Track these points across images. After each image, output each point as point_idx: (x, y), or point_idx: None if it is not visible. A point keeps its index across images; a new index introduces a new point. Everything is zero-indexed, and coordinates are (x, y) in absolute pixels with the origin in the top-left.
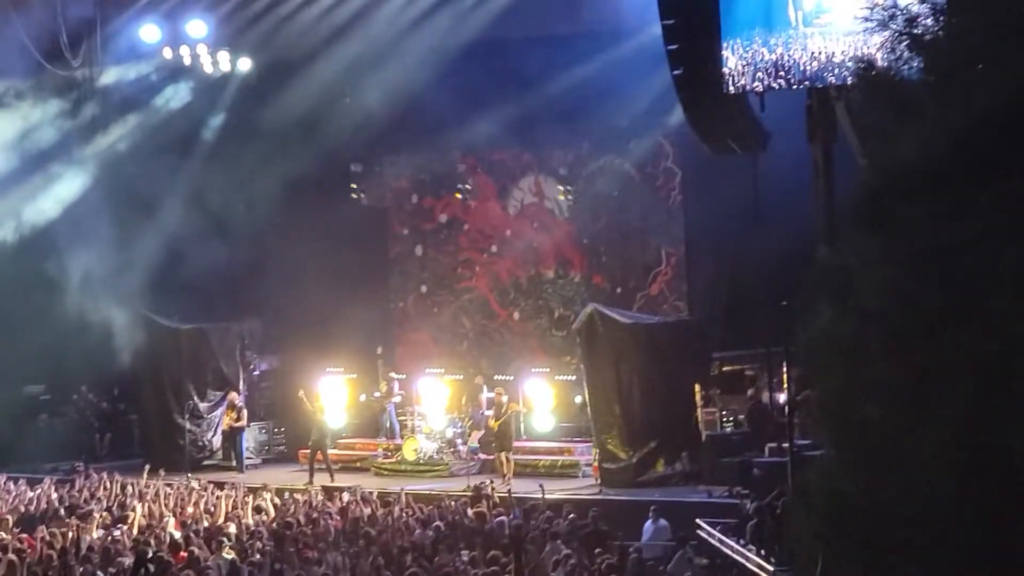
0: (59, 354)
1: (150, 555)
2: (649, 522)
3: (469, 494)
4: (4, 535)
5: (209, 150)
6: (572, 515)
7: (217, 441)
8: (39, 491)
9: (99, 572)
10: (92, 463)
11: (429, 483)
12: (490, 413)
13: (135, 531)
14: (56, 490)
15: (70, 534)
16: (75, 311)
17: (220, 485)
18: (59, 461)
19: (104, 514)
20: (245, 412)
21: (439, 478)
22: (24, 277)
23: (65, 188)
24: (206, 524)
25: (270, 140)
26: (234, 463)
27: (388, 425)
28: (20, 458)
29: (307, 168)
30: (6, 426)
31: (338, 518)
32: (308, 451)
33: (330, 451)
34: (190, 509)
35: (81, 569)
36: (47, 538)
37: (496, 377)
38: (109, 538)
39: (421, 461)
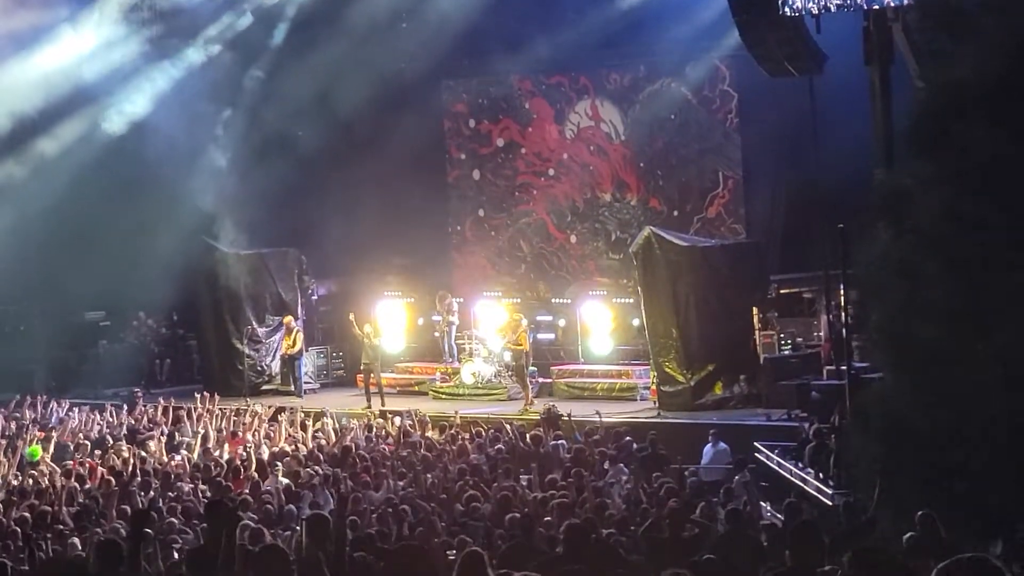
0: (119, 280)
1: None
2: (709, 445)
3: (538, 416)
4: (66, 460)
5: (266, 76)
6: (629, 438)
7: (276, 366)
8: (100, 417)
9: (159, 497)
10: (152, 389)
11: (487, 407)
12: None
13: (194, 456)
14: (117, 416)
15: (131, 459)
16: (135, 236)
17: (279, 410)
18: (119, 387)
19: (163, 439)
20: (302, 336)
21: (497, 401)
22: (85, 201)
23: (128, 111)
24: (264, 449)
25: (327, 66)
26: (292, 388)
27: (447, 347)
28: (81, 384)
29: (364, 93)
30: (67, 352)
31: (393, 442)
32: (363, 375)
33: (389, 375)
34: (249, 435)
35: (141, 494)
36: (108, 463)
37: (554, 300)
38: (170, 463)
39: (479, 385)
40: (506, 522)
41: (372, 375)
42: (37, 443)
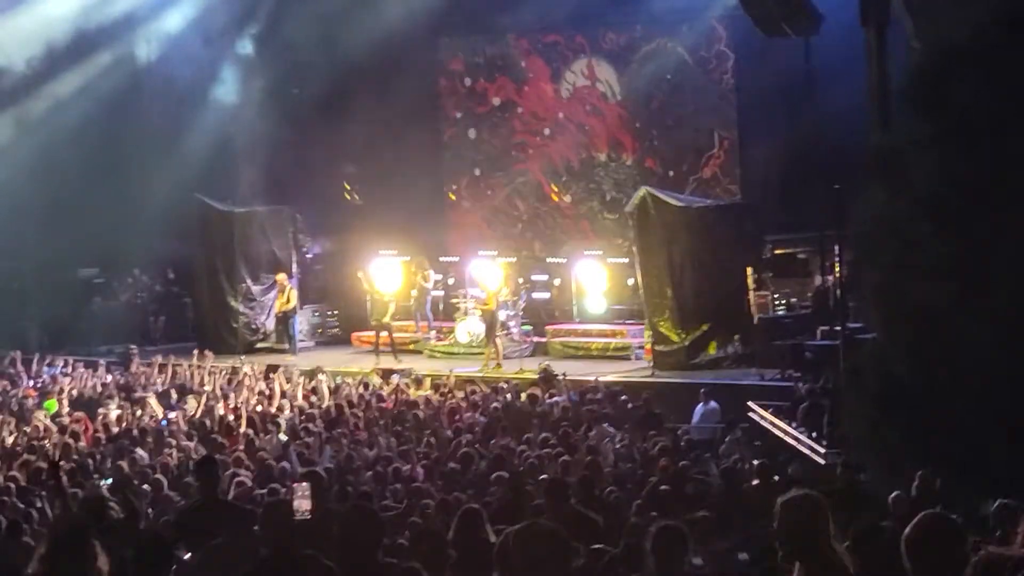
0: (113, 237)
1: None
2: (700, 404)
3: (535, 376)
4: (61, 416)
5: (262, 32)
6: (624, 397)
7: (270, 324)
8: (94, 374)
9: (153, 454)
10: (146, 346)
11: (481, 365)
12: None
13: (188, 414)
14: (110, 373)
15: (125, 417)
16: (129, 192)
17: (273, 368)
18: (113, 344)
19: (157, 397)
20: (296, 294)
21: (491, 360)
22: (79, 156)
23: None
24: (259, 407)
25: (322, 22)
26: (287, 346)
27: (419, 316)
28: (75, 340)
29: (360, 51)
30: (61, 308)
31: (390, 401)
32: (373, 332)
33: (384, 334)
34: (243, 392)
35: (135, 451)
36: (102, 420)
37: (548, 260)
38: (164, 421)
39: (474, 344)
40: (496, 480)
41: (386, 332)
42: (54, 397)
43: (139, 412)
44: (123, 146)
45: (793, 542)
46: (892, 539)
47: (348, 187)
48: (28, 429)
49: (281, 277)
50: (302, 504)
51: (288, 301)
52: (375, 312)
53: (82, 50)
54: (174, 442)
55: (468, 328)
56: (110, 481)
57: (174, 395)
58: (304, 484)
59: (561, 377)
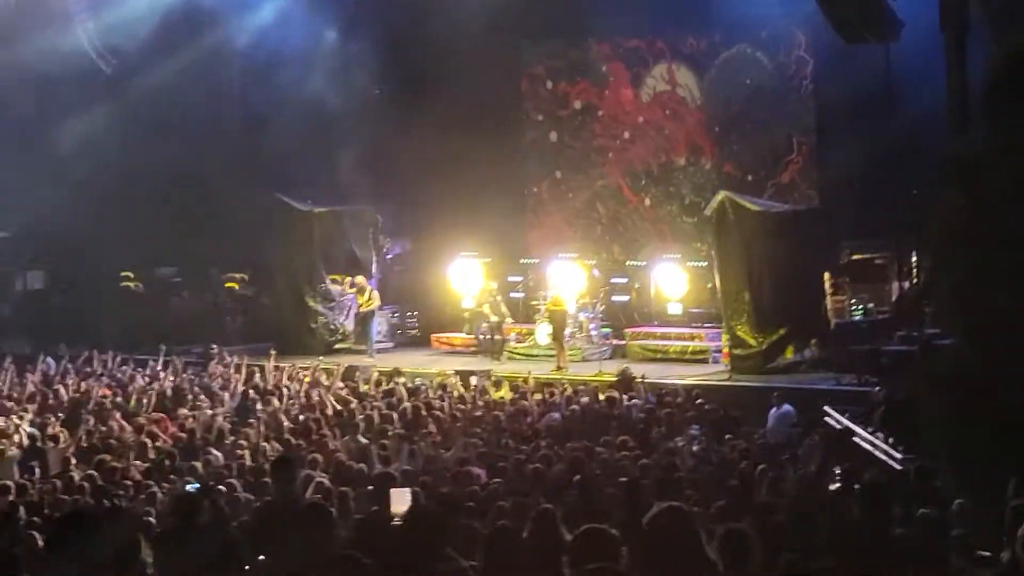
0: (191, 236)
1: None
2: (774, 408)
3: (613, 379)
4: (138, 416)
5: (344, 34)
6: (700, 400)
7: (350, 324)
8: (172, 373)
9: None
10: (223, 346)
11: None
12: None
13: (267, 414)
14: (189, 373)
15: (202, 417)
16: (208, 191)
17: (352, 369)
18: (191, 344)
19: (236, 397)
20: (376, 295)
21: (572, 362)
22: (159, 156)
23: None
24: (336, 408)
25: (405, 23)
26: (365, 347)
27: (359, 334)
28: (152, 340)
29: (441, 52)
30: (139, 308)
31: (468, 402)
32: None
33: (463, 336)
34: (320, 393)
35: (213, 452)
36: (180, 420)
37: (628, 263)
38: (242, 421)
39: (552, 346)
40: (572, 482)
41: (496, 332)
42: (134, 396)
43: (216, 411)
44: (203, 144)
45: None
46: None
47: None
48: (104, 428)
49: (360, 279)
50: (399, 509)
51: (370, 301)
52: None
53: (161, 48)
54: (246, 443)
55: (547, 330)
56: (197, 485)
57: (252, 395)
58: (404, 490)
59: (640, 380)
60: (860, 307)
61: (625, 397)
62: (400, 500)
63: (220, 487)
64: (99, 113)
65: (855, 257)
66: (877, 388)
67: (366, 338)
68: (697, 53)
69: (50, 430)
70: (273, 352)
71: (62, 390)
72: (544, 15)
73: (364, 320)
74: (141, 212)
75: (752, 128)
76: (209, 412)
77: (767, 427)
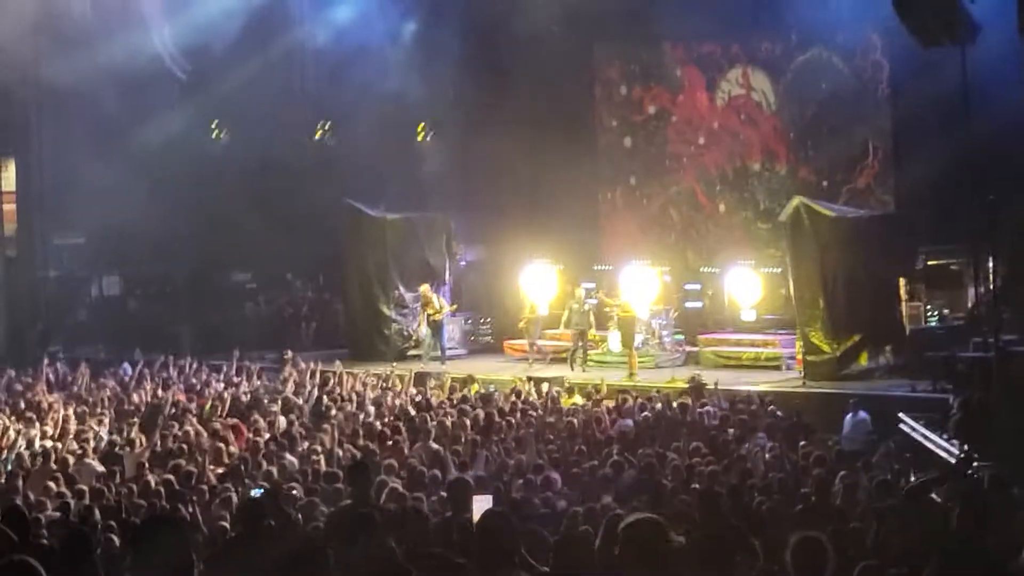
0: (266, 242)
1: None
2: (849, 415)
3: (685, 386)
4: (214, 421)
5: (411, 44)
6: (773, 407)
7: (423, 331)
8: (247, 378)
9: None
10: (297, 351)
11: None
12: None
13: (341, 420)
14: (264, 378)
15: (276, 422)
16: (283, 197)
17: (424, 375)
18: (265, 349)
19: (310, 403)
20: (441, 302)
21: (644, 369)
22: (233, 163)
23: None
24: (410, 413)
25: (479, 27)
26: (438, 353)
27: (431, 342)
28: (227, 346)
29: (516, 56)
30: (214, 314)
31: (541, 409)
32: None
33: (538, 341)
34: (394, 399)
35: (288, 457)
36: (255, 426)
37: (701, 269)
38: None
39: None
40: (643, 488)
41: (581, 340)
42: (209, 401)
43: (292, 417)
44: (278, 147)
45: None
46: None
47: None
48: (180, 433)
49: (424, 288)
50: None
51: (440, 309)
52: (576, 320)
53: (238, 50)
54: (320, 448)
55: (619, 337)
56: (261, 490)
57: (326, 400)
58: (487, 496)
59: (712, 386)
60: (936, 313)
61: (698, 404)
62: (482, 506)
63: (294, 491)
64: (175, 116)
65: (931, 263)
66: (953, 395)
67: (438, 345)
68: (772, 57)
69: (127, 435)
70: (338, 361)
71: (138, 395)
72: (618, 19)
73: (435, 328)
74: (216, 217)
75: (827, 133)
76: (283, 418)
77: (843, 433)
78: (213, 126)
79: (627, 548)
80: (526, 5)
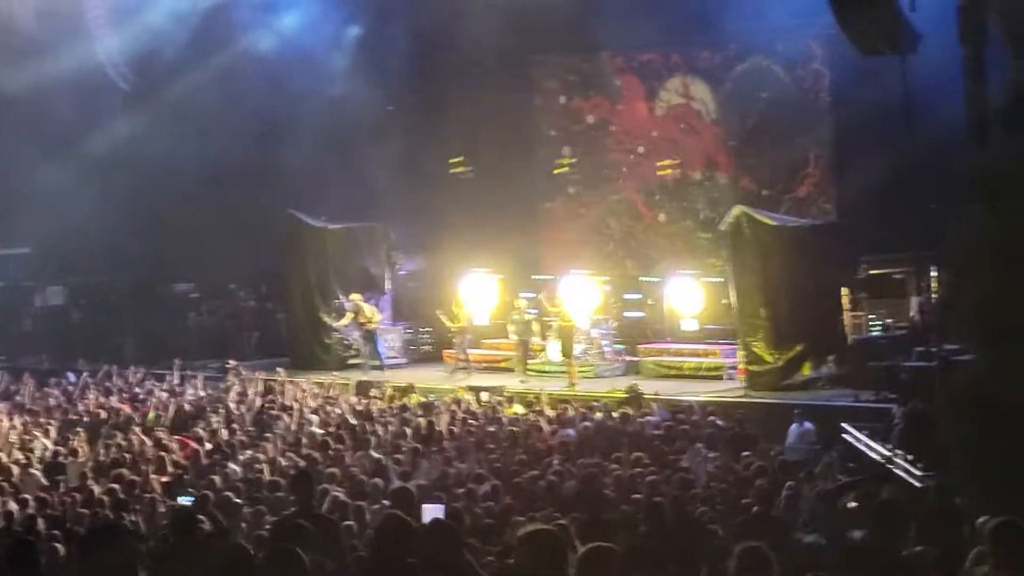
0: (208, 252)
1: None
2: (794, 425)
3: (617, 395)
4: (157, 430)
5: (351, 55)
6: (712, 417)
7: (354, 335)
8: (190, 388)
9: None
10: (240, 361)
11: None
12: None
13: (284, 429)
14: (206, 387)
15: (220, 431)
16: (225, 208)
17: (366, 385)
18: (208, 359)
19: (253, 412)
20: (372, 310)
21: (584, 379)
22: (174, 174)
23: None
24: (351, 422)
25: (416, 41)
26: (377, 362)
27: (367, 351)
28: (170, 355)
29: (454, 69)
30: (157, 324)
31: (481, 419)
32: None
33: (476, 352)
34: (336, 408)
35: (228, 466)
36: (197, 435)
37: (641, 279)
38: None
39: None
40: (583, 499)
41: (523, 349)
42: (152, 410)
43: (234, 427)
44: (217, 161)
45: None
46: None
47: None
48: (124, 443)
49: (355, 297)
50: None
51: (371, 319)
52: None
53: (181, 61)
54: (263, 457)
55: (559, 347)
56: (192, 499)
57: (269, 410)
58: (436, 506)
59: (654, 396)
60: (878, 323)
61: (639, 414)
62: (433, 516)
63: (237, 500)
64: (120, 127)
65: (873, 272)
66: (896, 405)
67: (375, 354)
68: (712, 66)
69: (71, 444)
70: (280, 369)
71: (82, 405)
72: (557, 29)
73: (368, 337)
74: (160, 227)
75: (768, 142)
76: (225, 427)
77: (787, 444)
78: (157, 136)
79: (522, 556)
80: (467, 15)
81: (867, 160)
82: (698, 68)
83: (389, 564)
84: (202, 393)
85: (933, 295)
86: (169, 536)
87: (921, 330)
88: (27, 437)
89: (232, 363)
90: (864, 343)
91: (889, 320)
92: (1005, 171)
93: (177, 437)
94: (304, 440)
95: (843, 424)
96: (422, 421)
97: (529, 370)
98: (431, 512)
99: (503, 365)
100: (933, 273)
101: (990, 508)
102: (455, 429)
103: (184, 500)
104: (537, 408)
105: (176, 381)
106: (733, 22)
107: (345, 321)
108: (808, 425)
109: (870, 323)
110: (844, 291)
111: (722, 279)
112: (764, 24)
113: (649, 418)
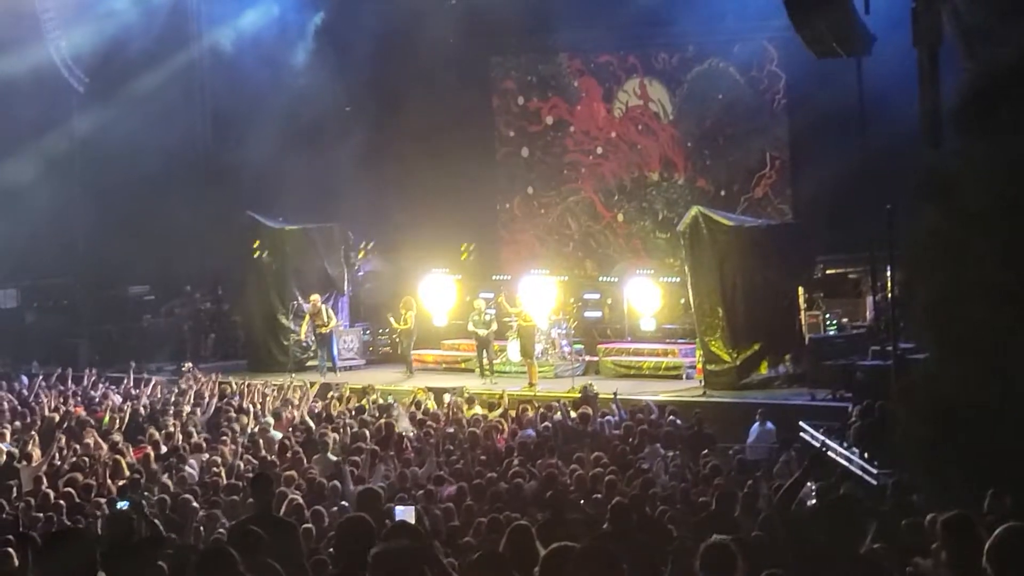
0: (163, 254)
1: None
2: (756, 424)
3: (576, 395)
4: (112, 434)
5: (310, 55)
6: (673, 416)
7: (307, 338)
8: (145, 390)
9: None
10: (196, 363)
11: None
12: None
13: (240, 431)
14: (162, 391)
15: (176, 433)
16: (180, 209)
17: (325, 387)
18: (163, 362)
19: (209, 414)
20: (330, 314)
21: (544, 379)
22: (130, 175)
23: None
24: (310, 424)
25: (375, 41)
26: (331, 364)
27: (325, 353)
28: (125, 358)
29: (412, 69)
30: (111, 326)
31: (443, 419)
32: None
33: (435, 352)
34: (293, 410)
35: (184, 469)
36: (153, 438)
37: (600, 279)
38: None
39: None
40: (545, 499)
41: (484, 349)
42: (108, 413)
43: (190, 429)
44: (174, 162)
45: None
46: None
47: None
48: (79, 447)
49: (315, 298)
50: None
51: (328, 323)
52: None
53: (129, 67)
54: (220, 460)
55: (519, 347)
56: (128, 503)
57: (225, 412)
58: (409, 508)
59: (613, 395)
60: (834, 322)
61: (598, 414)
62: (402, 518)
63: (193, 503)
64: (75, 128)
65: (829, 272)
66: (852, 404)
67: (328, 356)
68: (669, 68)
69: (25, 448)
70: (236, 375)
71: (36, 408)
72: (515, 30)
73: (322, 340)
74: (114, 229)
75: (725, 143)
76: (181, 430)
77: (748, 443)
78: (112, 136)
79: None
80: (425, 16)
81: (823, 161)
82: (655, 70)
83: (351, 567)
84: (158, 396)
85: (888, 294)
86: (103, 541)
87: (876, 329)
88: None
89: (188, 365)
90: (820, 342)
91: (845, 319)
92: (958, 171)
93: (131, 436)
94: (262, 443)
95: (800, 423)
96: (381, 423)
97: (487, 371)
98: (402, 514)
99: (463, 366)
100: (888, 273)
101: (947, 504)
102: (414, 431)
103: (122, 505)
104: (498, 409)
105: (131, 384)
106: (690, 24)
107: (305, 327)
108: (770, 426)
109: (826, 322)
110: (800, 290)
111: (680, 279)
112: (720, 27)
113: (609, 418)
